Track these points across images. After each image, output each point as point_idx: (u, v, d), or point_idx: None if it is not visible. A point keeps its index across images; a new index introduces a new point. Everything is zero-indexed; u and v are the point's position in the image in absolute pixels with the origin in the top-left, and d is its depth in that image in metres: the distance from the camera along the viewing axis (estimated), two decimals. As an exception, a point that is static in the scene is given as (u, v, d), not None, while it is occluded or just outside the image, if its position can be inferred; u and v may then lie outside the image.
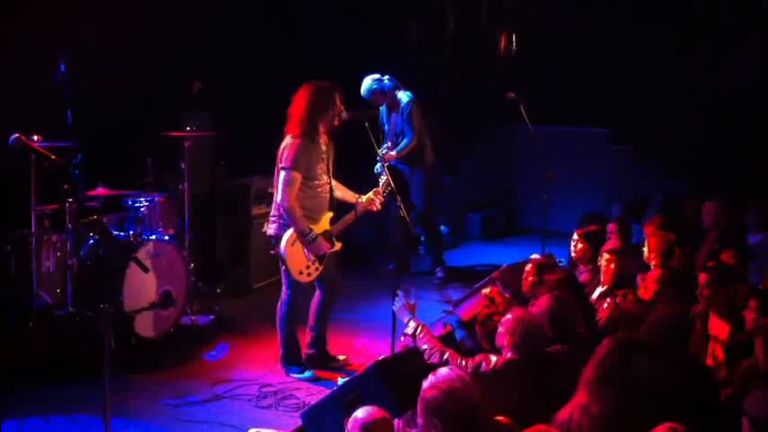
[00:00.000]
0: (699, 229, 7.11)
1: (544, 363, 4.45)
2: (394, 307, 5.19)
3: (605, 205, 9.90)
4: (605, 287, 5.85)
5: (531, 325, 4.49)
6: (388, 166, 6.59)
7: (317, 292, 6.30)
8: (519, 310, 4.69)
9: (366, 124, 6.12)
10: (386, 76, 8.27)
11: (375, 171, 7.47)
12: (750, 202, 7.44)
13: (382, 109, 8.41)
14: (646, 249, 6.08)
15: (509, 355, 4.46)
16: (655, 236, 6.11)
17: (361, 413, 3.65)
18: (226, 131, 8.03)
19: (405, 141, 8.26)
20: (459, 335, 5.18)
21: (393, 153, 8.18)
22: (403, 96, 8.28)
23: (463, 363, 4.53)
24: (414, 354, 4.90)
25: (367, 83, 8.22)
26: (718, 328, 4.94)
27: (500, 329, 4.53)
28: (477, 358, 4.51)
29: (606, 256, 5.90)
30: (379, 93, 8.22)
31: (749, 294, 4.84)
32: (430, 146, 8.53)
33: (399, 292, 5.18)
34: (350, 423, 3.63)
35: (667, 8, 10.57)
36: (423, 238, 8.86)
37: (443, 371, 3.71)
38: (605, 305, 5.58)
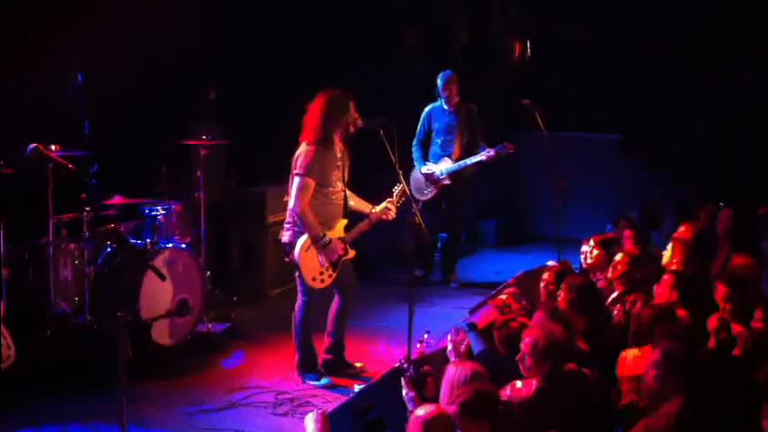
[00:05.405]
0: (712, 235, 7.06)
1: (563, 380, 4.36)
2: (404, 395, 4.58)
3: (615, 212, 9.84)
4: (617, 293, 5.83)
5: (553, 340, 4.40)
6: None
7: (336, 298, 6.31)
8: (538, 325, 4.61)
9: (381, 132, 6.11)
10: None
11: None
12: (763, 208, 7.39)
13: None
14: (667, 254, 6.04)
15: (525, 372, 4.37)
16: (680, 243, 6.09)
17: (421, 410, 3.64)
18: (241, 140, 8.05)
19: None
20: (476, 348, 5.10)
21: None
22: None
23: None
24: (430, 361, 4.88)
25: None
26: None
27: (523, 348, 4.40)
28: None
29: (618, 258, 5.89)
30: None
31: (759, 303, 4.84)
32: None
33: (403, 362, 4.67)
34: (411, 421, 3.62)
35: (671, 12, 10.56)
36: (438, 245, 8.89)
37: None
38: (615, 311, 5.58)
